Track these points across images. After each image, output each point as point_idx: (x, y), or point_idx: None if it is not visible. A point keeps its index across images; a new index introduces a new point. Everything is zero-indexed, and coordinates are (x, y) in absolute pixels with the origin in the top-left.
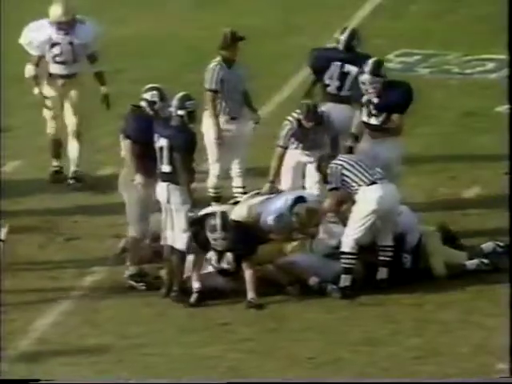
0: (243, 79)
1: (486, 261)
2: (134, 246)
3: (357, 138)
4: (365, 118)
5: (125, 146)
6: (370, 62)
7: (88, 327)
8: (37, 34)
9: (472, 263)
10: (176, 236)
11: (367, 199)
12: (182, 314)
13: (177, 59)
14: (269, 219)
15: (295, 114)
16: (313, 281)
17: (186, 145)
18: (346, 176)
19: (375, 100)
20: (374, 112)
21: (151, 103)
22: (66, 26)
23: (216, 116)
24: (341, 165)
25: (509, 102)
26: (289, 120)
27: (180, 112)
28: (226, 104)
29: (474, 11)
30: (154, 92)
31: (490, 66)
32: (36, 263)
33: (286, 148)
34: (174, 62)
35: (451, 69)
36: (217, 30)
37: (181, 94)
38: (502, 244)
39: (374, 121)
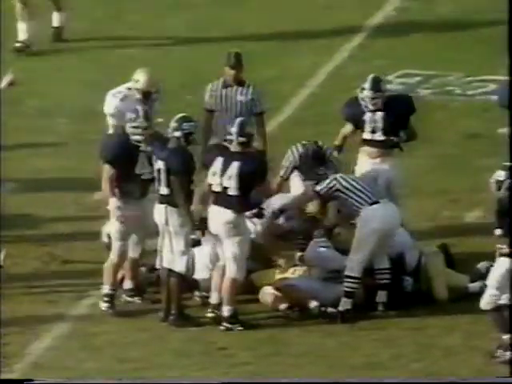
0: (246, 102)
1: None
2: (132, 266)
3: (340, 150)
4: (368, 136)
5: (104, 171)
6: (369, 78)
7: (85, 351)
8: (124, 104)
9: (474, 286)
10: (175, 258)
11: (370, 219)
12: (180, 338)
13: (174, 81)
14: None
15: (299, 147)
16: (312, 304)
17: (183, 167)
18: (346, 194)
19: (379, 115)
20: (380, 126)
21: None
22: (148, 96)
23: (206, 136)
24: (339, 181)
25: (509, 124)
26: (292, 151)
27: (177, 134)
28: (222, 125)
29: (476, 32)
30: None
31: (492, 87)
32: (32, 287)
33: (286, 179)
34: (172, 83)
35: (453, 90)
36: (214, 53)
37: (179, 115)
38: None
39: (378, 137)
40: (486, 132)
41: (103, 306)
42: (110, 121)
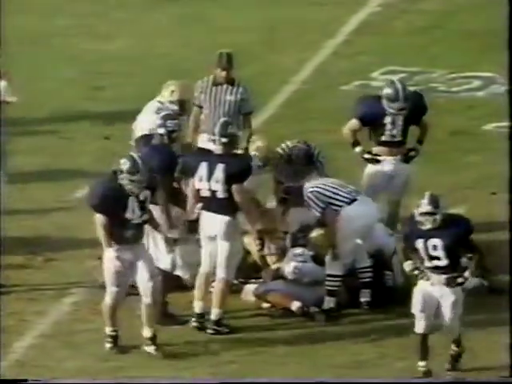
0: (234, 102)
1: (485, 282)
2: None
3: (358, 144)
4: (387, 138)
5: (97, 221)
6: (398, 85)
7: (66, 350)
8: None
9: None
10: (160, 256)
11: (351, 218)
12: (164, 337)
13: (157, 77)
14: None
15: (285, 147)
16: (295, 305)
17: (165, 165)
18: (328, 197)
19: (401, 117)
20: (400, 129)
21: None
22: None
23: (194, 132)
24: (316, 190)
25: (509, 120)
26: (278, 151)
27: (160, 130)
28: (211, 123)
29: (460, 28)
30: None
31: (477, 83)
32: (14, 285)
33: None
34: (156, 79)
35: (437, 87)
36: (198, 49)
37: (164, 112)
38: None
39: (398, 138)
40: (470, 129)
41: (107, 346)
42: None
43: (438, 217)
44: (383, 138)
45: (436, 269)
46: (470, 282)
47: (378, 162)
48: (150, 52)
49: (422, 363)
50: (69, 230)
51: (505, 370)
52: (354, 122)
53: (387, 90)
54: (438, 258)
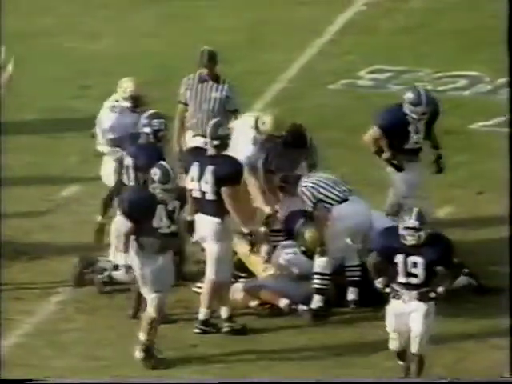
0: (220, 99)
1: (473, 281)
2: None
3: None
4: (411, 146)
5: (122, 227)
6: (421, 90)
7: (52, 349)
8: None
9: (457, 281)
10: None
11: (341, 217)
12: None
13: (144, 76)
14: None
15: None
16: (283, 303)
17: (150, 164)
18: (320, 193)
19: (422, 124)
20: (421, 136)
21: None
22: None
23: (180, 129)
24: (310, 186)
25: (509, 123)
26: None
27: (146, 130)
28: (196, 120)
29: (447, 27)
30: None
31: (463, 82)
32: None
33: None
34: (141, 78)
35: (423, 86)
36: (185, 47)
37: (150, 111)
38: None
39: (420, 144)
40: (457, 128)
41: (139, 355)
42: (106, 136)
43: (422, 233)
44: (407, 146)
45: (409, 285)
46: (459, 281)
47: (402, 169)
48: (136, 51)
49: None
50: (55, 228)
51: (505, 370)
52: (375, 131)
53: (409, 95)
54: (414, 276)
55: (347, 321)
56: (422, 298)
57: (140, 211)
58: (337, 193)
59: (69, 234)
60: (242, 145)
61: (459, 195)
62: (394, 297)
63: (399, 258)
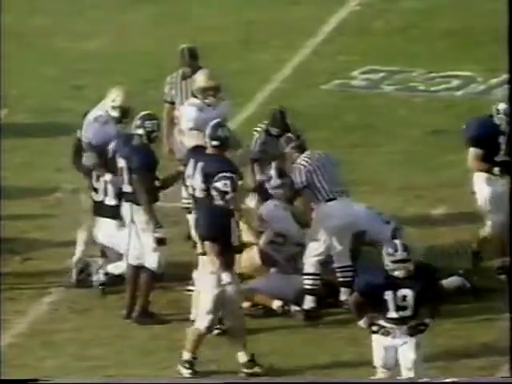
0: None
1: (467, 282)
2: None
3: None
4: (501, 158)
5: (209, 249)
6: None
7: (45, 349)
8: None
9: (449, 281)
10: (146, 254)
11: (325, 216)
12: (143, 336)
13: (138, 76)
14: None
15: (262, 125)
16: (276, 305)
17: (144, 166)
18: (312, 180)
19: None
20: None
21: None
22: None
23: (169, 128)
24: (308, 169)
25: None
26: (256, 130)
27: (139, 131)
28: None
29: (440, 27)
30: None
31: (455, 83)
32: None
33: (257, 160)
34: (135, 78)
35: (416, 86)
36: (177, 47)
37: (143, 112)
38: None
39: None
40: (449, 128)
41: (183, 372)
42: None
43: (411, 264)
44: (497, 158)
45: (400, 320)
46: (452, 281)
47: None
48: (128, 50)
49: None
50: (48, 229)
51: (505, 370)
52: (474, 151)
53: (503, 106)
54: (404, 309)
55: (340, 321)
56: (413, 331)
57: (220, 230)
58: (326, 190)
59: (61, 234)
60: None
61: (452, 194)
62: (382, 333)
63: (388, 294)
